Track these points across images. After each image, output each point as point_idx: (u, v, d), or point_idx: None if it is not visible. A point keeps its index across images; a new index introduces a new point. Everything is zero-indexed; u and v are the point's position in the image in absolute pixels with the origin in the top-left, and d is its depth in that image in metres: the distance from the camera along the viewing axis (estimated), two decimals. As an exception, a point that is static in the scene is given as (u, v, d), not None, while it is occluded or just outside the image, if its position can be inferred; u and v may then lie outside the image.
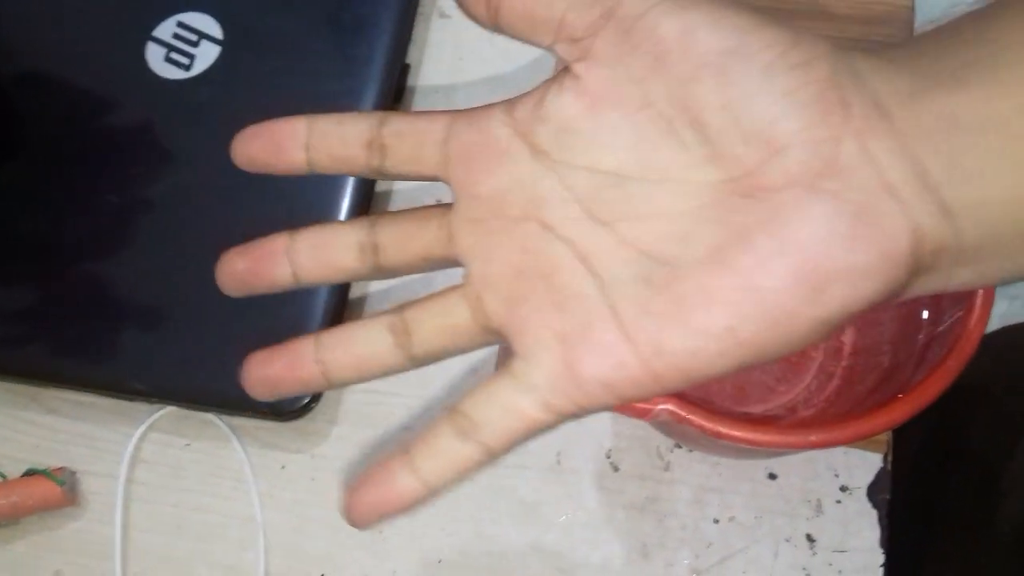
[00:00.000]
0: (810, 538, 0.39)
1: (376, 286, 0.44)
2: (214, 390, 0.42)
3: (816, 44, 0.20)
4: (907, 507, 0.46)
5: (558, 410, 0.21)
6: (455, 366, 0.43)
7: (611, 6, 0.20)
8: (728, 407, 0.39)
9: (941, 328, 0.32)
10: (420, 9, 0.48)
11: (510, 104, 0.23)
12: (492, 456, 0.22)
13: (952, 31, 0.21)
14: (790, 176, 0.19)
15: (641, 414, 0.30)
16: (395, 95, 0.47)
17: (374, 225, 0.24)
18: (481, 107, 0.23)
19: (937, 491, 0.50)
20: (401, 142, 0.23)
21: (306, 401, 0.41)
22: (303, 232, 0.24)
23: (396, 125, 0.23)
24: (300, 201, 0.44)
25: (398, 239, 0.24)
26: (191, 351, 0.43)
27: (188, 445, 0.43)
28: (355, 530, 0.41)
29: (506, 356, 0.23)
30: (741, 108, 0.20)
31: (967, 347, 0.29)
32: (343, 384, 0.24)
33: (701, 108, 0.20)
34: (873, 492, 0.39)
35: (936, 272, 0.20)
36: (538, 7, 0.21)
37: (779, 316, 0.19)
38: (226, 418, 0.43)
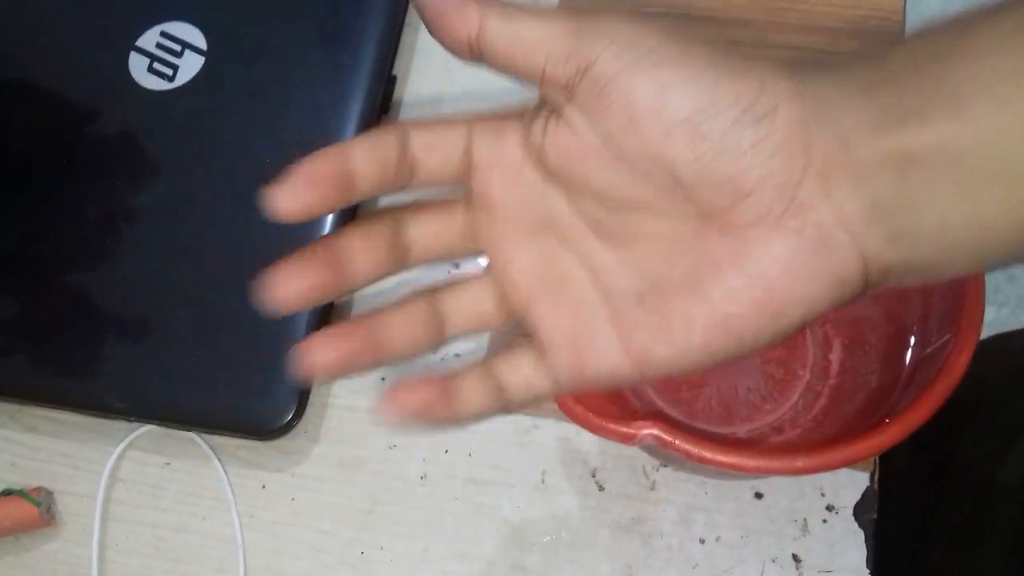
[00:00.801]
0: (796, 558, 0.38)
1: (361, 294, 0.44)
2: (194, 408, 0.42)
3: (779, 89, 0.22)
4: (896, 521, 0.46)
5: (565, 390, 0.26)
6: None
7: (584, 65, 0.22)
8: (714, 428, 0.39)
9: (929, 350, 0.32)
10: (407, 19, 0.47)
11: (524, 127, 0.24)
12: (507, 410, 0.26)
13: (921, 57, 0.22)
14: (757, 216, 0.22)
15: (626, 439, 0.30)
16: (382, 107, 0.47)
17: (399, 223, 0.25)
18: (498, 120, 0.25)
19: (927, 504, 0.50)
20: (430, 156, 0.25)
21: (287, 419, 0.40)
22: (333, 241, 0.24)
23: (424, 139, 0.24)
24: (281, 229, 0.43)
25: (425, 238, 0.25)
26: (171, 369, 0.42)
27: (168, 464, 0.43)
28: (335, 551, 0.40)
29: (516, 338, 0.26)
30: (711, 161, 0.21)
31: (955, 371, 0.29)
32: (386, 362, 0.25)
33: (673, 162, 0.22)
34: (859, 511, 0.39)
35: (887, 283, 0.23)
36: (518, 56, 0.22)
37: (745, 335, 0.23)
38: (206, 437, 0.42)
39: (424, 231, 0.25)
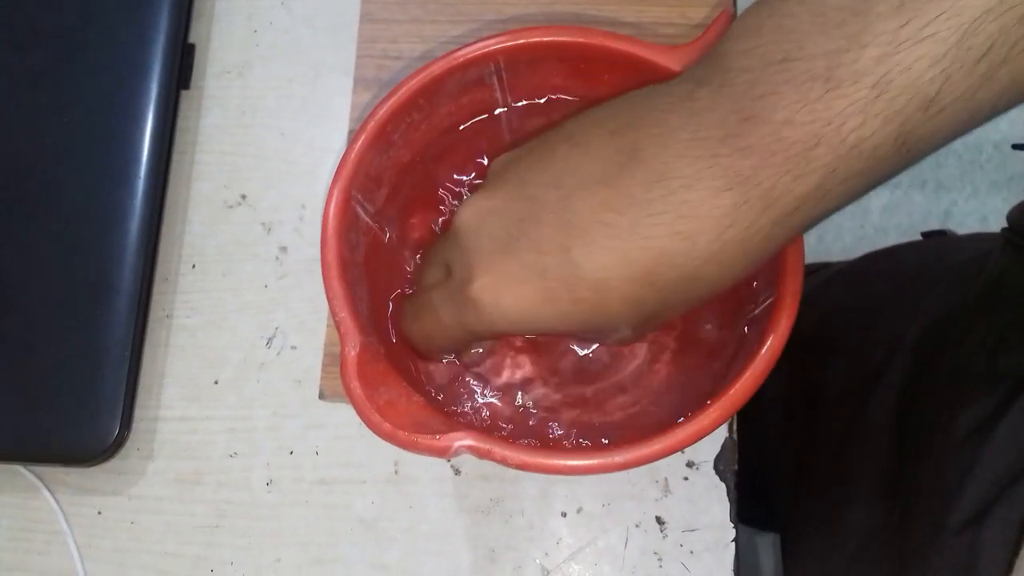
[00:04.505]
0: (660, 520, 0.37)
1: (180, 321, 0.40)
2: (10, 441, 0.38)
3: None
4: (765, 466, 0.45)
5: None
6: (280, 383, 0.39)
7: None
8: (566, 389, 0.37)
9: (757, 311, 0.30)
10: (201, -19, 0.43)
11: None
12: None
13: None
14: None
15: (441, 453, 0.27)
16: (181, 81, 0.42)
17: None
18: None
19: (798, 444, 0.49)
20: None
21: (113, 439, 0.37)
22: None
23: None
24: (84, 225, 0.39)
25: None
26: (-21, 400, 0.38)
27: (-7, 500, 0.39)
28: (183, 572, 0.38)
29: None
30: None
31: (775, 343, 0.27)
32: None
33: None
34: (720, 464, 0.38)
35: None
36: None
37: None
38: (33, 467, 0.39)
39: None
